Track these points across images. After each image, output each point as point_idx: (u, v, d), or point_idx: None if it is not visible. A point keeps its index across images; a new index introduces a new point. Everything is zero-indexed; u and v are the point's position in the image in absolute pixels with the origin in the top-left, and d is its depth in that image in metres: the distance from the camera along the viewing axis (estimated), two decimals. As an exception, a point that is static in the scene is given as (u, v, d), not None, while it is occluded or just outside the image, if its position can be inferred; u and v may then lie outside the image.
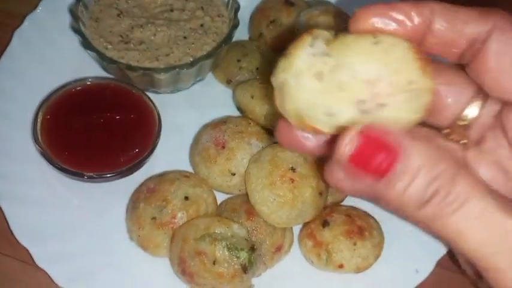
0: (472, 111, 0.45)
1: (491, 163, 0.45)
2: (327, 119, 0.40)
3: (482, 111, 0.45)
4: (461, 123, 0.46)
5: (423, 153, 0.38)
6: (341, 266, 0.76)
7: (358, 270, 0.77)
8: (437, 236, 0.39)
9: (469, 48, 0.41)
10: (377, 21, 0.40)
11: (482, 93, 0.44)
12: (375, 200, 0.40)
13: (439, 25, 0.41)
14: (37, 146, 0.80)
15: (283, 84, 0.40)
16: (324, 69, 0.39)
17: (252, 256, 0.72)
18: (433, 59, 0.41)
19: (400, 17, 0.40)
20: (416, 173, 0.38)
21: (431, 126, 0.47)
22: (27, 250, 0.76)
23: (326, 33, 0.40)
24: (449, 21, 0.41)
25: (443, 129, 0.47)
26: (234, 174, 0.80)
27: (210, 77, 0.95)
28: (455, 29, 0.41)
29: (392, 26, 0.40)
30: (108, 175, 0.80)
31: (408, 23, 0.40)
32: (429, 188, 0.38)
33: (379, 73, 0.38)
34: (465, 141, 0.46)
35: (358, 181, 0.39)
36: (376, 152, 0.38)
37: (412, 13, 0.40)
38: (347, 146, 0.38)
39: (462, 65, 0.44)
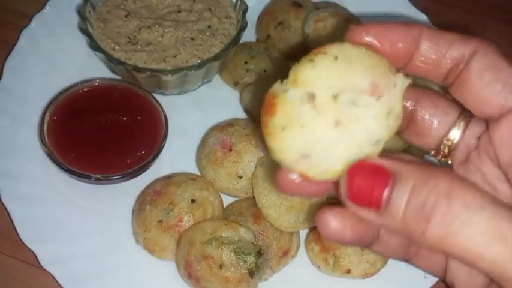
0: (457, 132, 0.47)
1: (479, 182, 0.45)
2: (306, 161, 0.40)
3: (467, 132, 0.46)
4: (447, 144, 0.47)
5: (413, 173, 0.38)
6: (348, 272, 0.75)
7: (366, 275, 0.76)
8: (455, 257, 0.38)
9: (453, 69, 0.44)
10: (370, 40, 0.43)
11: (466, 114, 0.46)
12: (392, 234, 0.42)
13: (426, 46, 0.43)
14: (43, 147, 0.79)
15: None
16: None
17: (259, 260, 0.71)
18: (418, 84, 0.44)
19: (393, 36, 0.43)
20: (410, 193, 0.38)
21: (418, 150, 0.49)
22: (31, 251, 0.75)
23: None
24: (435, 42, 0.43)
25: (429, 151, 0.49)
26: (241, 177, 0.80)
27: (217, 78, 0.94)
28: (440, 50, 0.43)
29: (383, 45, 0.43)
30: (115, 177, 0.79)
31: (400, 42, 0.43)
32: (426, 205, 0.37)
33: (343, 85, 0.39)
34: (449, 162, 0.48)
35: (363, 220, 0.40)
36: (367, 183, 0.39)
37: (403, 33, 0.43)
38: (342, 188, 0.40)
39: (446, 88, 0.46)
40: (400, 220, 0.38)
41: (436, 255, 0.47)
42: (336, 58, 0.39)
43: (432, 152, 0.48)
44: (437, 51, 0.43)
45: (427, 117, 0.47)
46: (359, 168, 0.40)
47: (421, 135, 0.48)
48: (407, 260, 0.49)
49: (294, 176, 0.42)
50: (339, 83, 0.39)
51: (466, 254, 0.37)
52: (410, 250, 0.48)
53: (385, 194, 0.38)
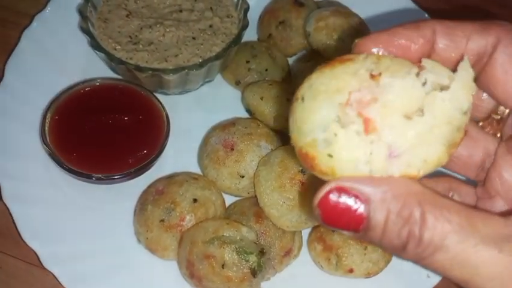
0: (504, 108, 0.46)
1: None
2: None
3: None
4: (496, 117, 0.46)
5: (387, 204, 0.38)
6: (351, 271, 0.75)
7: (368, 275, 0.76)
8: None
9: (476, 63, 0.42)
10: (378, 51, 0.41)
11: None
12: None
13: (442, 44, 0.41)
14: (45, 146, 0.79)
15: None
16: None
17: (261, 260, 0.71)
18: None
19: (403, 42, 0.41)
20: (385, 224, 0.39)
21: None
22: (33, 251, 0.75)
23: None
24: (451, 39, 0.41)
25: (479, 121, 0.48)
26: (243, 177, 0.80)
27: (218, 78, 0.94)
28: (459, 46, 0.41)
29: (394, 53, 0.41)
30: (116, 177, 0.79)
31: (412, 46, 0.41)
32: (401, 235, 0.38)
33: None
34: (499, 134, 0.47)
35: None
36: (340, 216, 0.39)
37: (414, 36, 0.41)
38: (316, 211, 0.40)
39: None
40: (377, 242, 0.40)
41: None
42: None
43: (481, 123, 0.48)
44: (456, 49, 0.41)
45: (500, 71, 0.44)
46: (326, 204, 0.39)
47: (494, 85, 0.44)
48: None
49: None
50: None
51: (444, 272, 0.40)
52: None
53: (359, 228, 0.39)
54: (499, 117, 0.46)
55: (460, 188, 0.49)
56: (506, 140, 0.46)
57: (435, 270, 0.39)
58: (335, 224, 0.40)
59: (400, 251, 0.39)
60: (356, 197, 0.38)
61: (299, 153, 0.40)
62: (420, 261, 0.39)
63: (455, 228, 0.37)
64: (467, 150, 0.47)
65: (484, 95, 0.46)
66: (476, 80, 0.42)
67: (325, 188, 0.39)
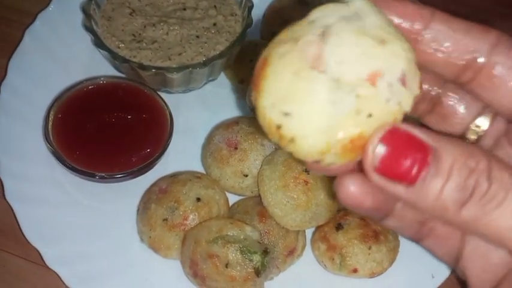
0: (485, 119, 0.44)
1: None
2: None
3: (494, 121, 0.44)
4: (475, 130, 0.45)
5: (453, 150, 0.36)
6: (355, 271, 0.75)
7: (373, 275, 0.75)
8: (482, 237, 0.37)
9: (469, 64, 0.40)
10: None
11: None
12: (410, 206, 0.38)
13: (438, 30, 0.39)
14: (48, 145, 0.79)
15: None
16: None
17: (265, 259, 0.70)
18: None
19: (399, 9, 0.39)
20: (450, 171, 0.35)
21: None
22: (36, 250, 0.75)
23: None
24: (449, 26, 0.39)
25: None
26: (247, 176, 0.79)
27: (222, 76, 0.94)
28: (456, 36, 0.39)
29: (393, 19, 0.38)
30: (120, 175, 0.79)
31: (407, 21, 0.39)
32: (466, 185, 0.35)
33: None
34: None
35: (388, 192, 0.37)
36: (404, 157, 0.35)
37: (411, 9, 0.39)
38: (372, 156, 0.35)
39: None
40: (433, 199, 0.36)
41: (451, 238, 0.44)
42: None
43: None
44: (453, 38, 0.39)
45: (454, 101, 0.44)
46: (393, 137, 0.35)
47: (447, 119, 0.45)
48: (418, 240, 0.46)
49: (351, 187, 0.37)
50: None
51: (499, 235, 0.36)
52: (425, 228, 0.45)
53: (423, 169, 0.35)
54: (478, 129, 0.44)
55: None
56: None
57: (487, 233, 0.37)
58: (392, 169, 0.36)
59: (456, 208, 0.36)
60: (420, 144, 0.35)
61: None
62: (477, 220, 0.36)
63: None
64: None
65: (462, 107, 0.44)
66: (467, 83, 0.41)
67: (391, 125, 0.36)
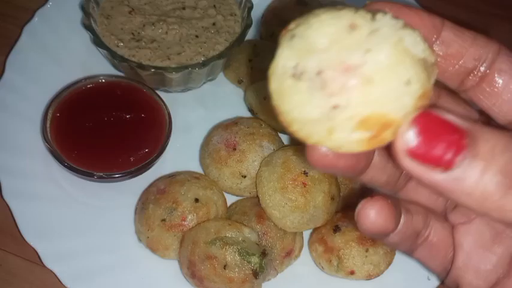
0: None
1: None
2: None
3: None
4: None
5: (491, 133, 0.34)
6: (352, 273, 0.75)
7: (369, 277, 0.76)
8: None
9: (473, 70, 0.40)
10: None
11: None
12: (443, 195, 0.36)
13: (447, 37, 0.40)
14: (46, 144, 0.79)
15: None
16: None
17: (263, 261, 0.71)
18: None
19: (414, 18, 0.39)
20: (490, 154, 0.33)
21: None
22: (33, 249, 0.75)
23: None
24: (457, 35, 0.40)
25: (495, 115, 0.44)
26: (245, 177, 0.79)
27: (221, 76, 0.93)
28: (463, 44, 0.40)
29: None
30: (118, 175, 0.79)
31: (420, 27, 0.38)
32: (509, 171, 0.33)
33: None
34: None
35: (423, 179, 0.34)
36: (438, 139, 0.33)
37: (425, 18, 0.39)
38: (405, 139, 0.34)
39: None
40: (474, 184, 0.34)
41: (444, 248, 0.44)
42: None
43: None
44: (460, 45, 0.39)
45: (502, 79, 0.41)
46: (425, 120, 0.34)
47: (493, 95, 0.42)
48: (411, 252, 0.45)
49: (323, 150, 0.36)
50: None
51: None
52: (419, 239, 0.44)
53: (460, 152, 0.33)
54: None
55: None
56: None
57: None
58: (427, 153, 0.34)
59: (500, 195, 0.34)
60: (456, 128, 0.34)
61: None
62: None
63: None
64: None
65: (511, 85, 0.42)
66: (467, 90, 0.41)
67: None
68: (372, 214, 0.38)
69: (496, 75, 0.40)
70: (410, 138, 0.34)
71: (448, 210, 0.46)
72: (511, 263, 0.42)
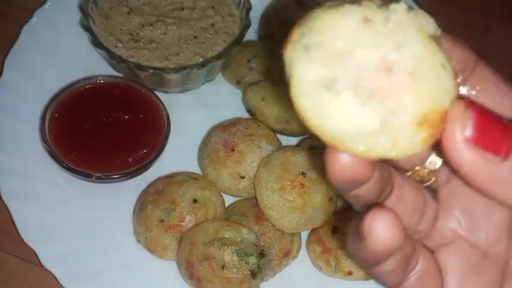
0: (438, 158, 0.41)
1: (467, 200, 0.41)
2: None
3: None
4: (429, 167, 0.41)
5: None
6: (350, 273, 0.75)
7: (367, 277, 0.76)
8: None
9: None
10: None
11: None
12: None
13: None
14: (44, 144, 0.79)
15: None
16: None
17: (261, 262, 0.71)
18: None
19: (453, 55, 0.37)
20: None
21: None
22: (32, 249, 0.75)
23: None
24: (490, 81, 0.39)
25: (405, 172, 0.42)
26: (243, 178, 0.79)
27: (219, 77, 0.93)
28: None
29: None
30: (116, 176, 0.79)
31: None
32: None
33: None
34: (431, 181, 0.42)
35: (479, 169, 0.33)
36: (495, 125, 0.32)
37: (461, 57, 0.38)
38: (462, 124, 0.32)
39: None
40: None
41: (433, 275, 0.41)
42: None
43: (408, 173, 0.41)
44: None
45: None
46: (477, 107, 0.32)
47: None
48: (397, 286, 0.41)
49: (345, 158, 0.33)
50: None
51: None
52: (410, 266, 0.40)
53: None
54: (432, 166, 0.40)
55: None
56: (443, 185, 0.41)
57: None
58: (491, 134, 0.32)
59: None
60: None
61: None
62: None
63: None
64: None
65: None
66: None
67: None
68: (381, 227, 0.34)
69: (477, 81, 0.38)
70: (467, 125, 0.32)
71: (422, 235, 0.42)
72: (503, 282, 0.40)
